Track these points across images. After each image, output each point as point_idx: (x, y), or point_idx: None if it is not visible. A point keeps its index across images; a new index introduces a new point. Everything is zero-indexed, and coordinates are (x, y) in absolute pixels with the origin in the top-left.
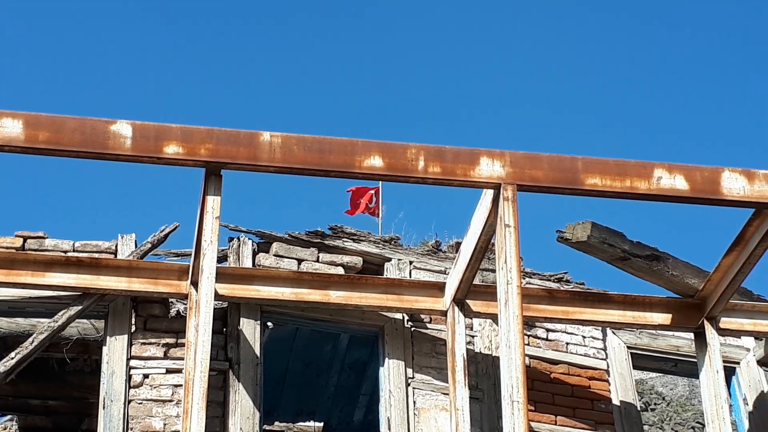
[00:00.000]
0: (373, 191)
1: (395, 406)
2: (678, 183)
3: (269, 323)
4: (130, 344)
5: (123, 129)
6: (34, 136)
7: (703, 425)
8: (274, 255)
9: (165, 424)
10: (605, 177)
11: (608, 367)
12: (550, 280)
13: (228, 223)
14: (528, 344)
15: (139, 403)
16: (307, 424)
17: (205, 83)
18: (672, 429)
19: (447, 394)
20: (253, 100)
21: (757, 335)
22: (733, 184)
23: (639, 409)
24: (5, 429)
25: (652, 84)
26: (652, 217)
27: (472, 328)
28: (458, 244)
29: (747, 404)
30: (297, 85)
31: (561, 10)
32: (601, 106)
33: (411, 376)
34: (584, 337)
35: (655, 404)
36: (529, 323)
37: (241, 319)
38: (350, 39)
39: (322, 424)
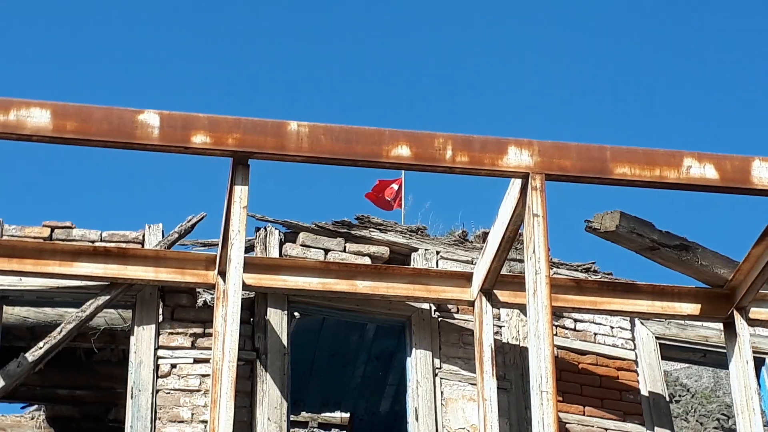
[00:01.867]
0: (396, 185)
1: (422, 397)
2: (708, 172)
3: (296, 313)
4: (157, 334)
5: (150, 119)
6: (62, 126)
7: (728, 417)
8: (301, 245)
9: (193, 414)
10: (634, 166)
11: (636, 357)
12: (577, 270)
13: (255, 213)
14: (556, 335)
15: (167, 393)
16: (333, 414)
17: (231, 73)
18: (696, 421)
19: (474, 384)
20: (279, 91)
21: None
22: (764, 173)
23: (667, 400)
24: (33, 419)
25: (680, 71)
26: (682, 206)
27: (499, 319)
28: (485, 234)
29: None
30: (321, 74)
31: None
32: (629, 94)
33: (438, 366)
34: (612, 327)
35: (680, 396)
36: (557, 313)
37: (268, 309)
38: (372, 28)
39: (348, 414)
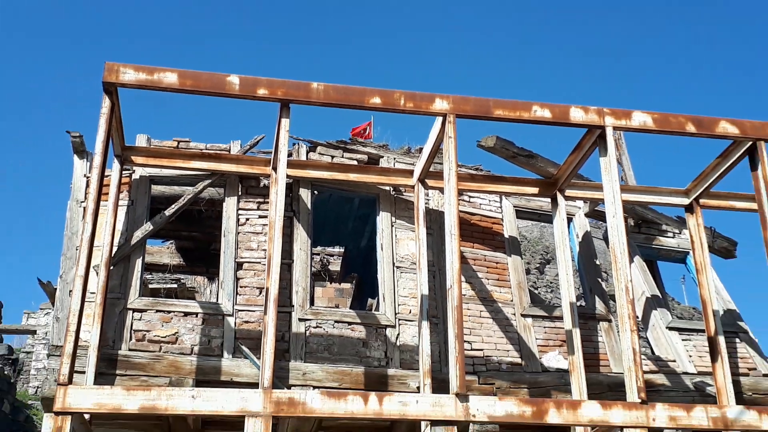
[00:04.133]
0: (367, 125)
1: (385, 238)
2: (546, 113)
3: (315, 191)
4: (238, 201)
5: (234, 80)
6: (183, 83)
7: (547, 253)
8: (318, 153)
9: (258, 245)
10: (506, 110)
11: (502, 217)
12: (471, 169)
13: (293, 135)
14: (461, 204)
15: (243, 234)
16: (333, 249)
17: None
18: (531, 255)
19: (413, 230)
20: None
21: (585, 199)
22: (577, 114)
23: (519, 240)
24: (168, 248)
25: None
26: (534, 133)
27: (428, 195)
28: (421, 149)
29: (578, 238)
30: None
31: None
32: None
33: (394, 221)
34: (490, 200)
35: (519, 241)
36: (460, 192)
37: (300, 188)
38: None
39: (343, 248)
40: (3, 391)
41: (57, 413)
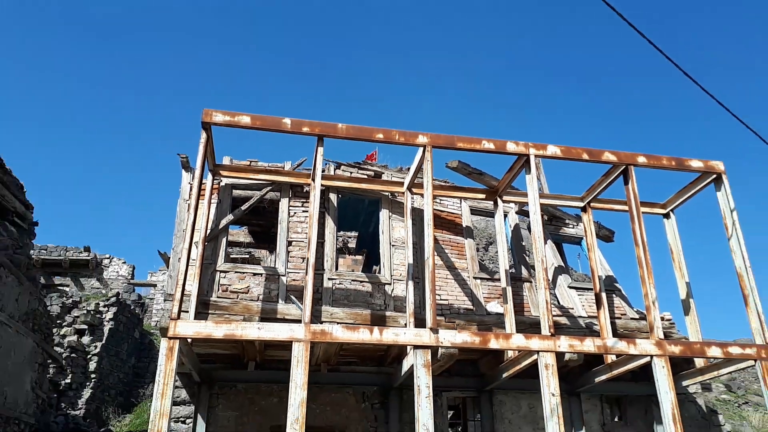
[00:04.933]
0: (374, 152)
1: (385, 226)
2: (491, 146)
3: (339, 195)
4: (289, 201)
5: (287, 121)
6: (254, 123)
7: (491, 241)
8: (342, 170)
9: (301, 230)
10: (465, 143)
11: (461, 213)
12: (441, 181)
13: (326, 158)
14: (434, 204)
15: (292, 223)
16: (350, 233)
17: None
18: (479, 239)
19: (403, 221)
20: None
21: (515, 202)
22: (511, 146)
23: (472, 228)
24: (243, 232)
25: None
26: (483, 158)
27: (413, 199)
28: (409, 168)
29: (511, 228)
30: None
31: None
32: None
33: (391, 215)
34: (453, 202)
35: (472, 229)
36: (435, 197)
37: (330, 193)
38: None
39: (357, 233)
40: (135, 323)
41: (170, 338)
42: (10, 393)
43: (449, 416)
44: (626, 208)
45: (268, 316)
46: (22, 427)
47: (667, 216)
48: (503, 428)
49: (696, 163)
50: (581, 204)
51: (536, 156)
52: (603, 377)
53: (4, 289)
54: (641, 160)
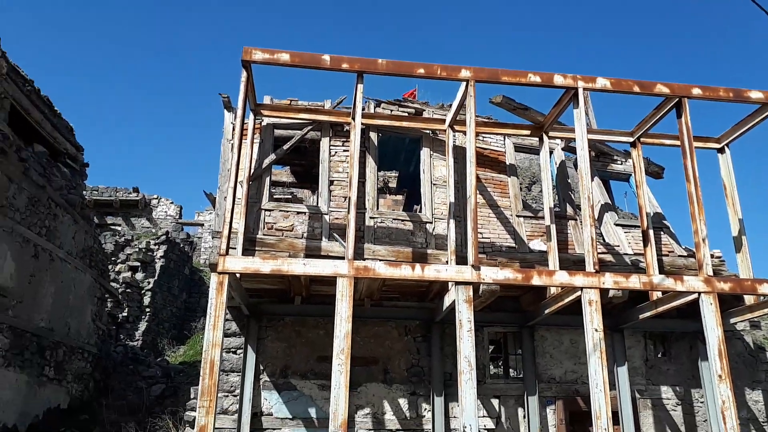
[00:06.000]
0: (414, 91)
1: (426, 165)
2: (537, 79)
3: (380, 133)
4: (329, 140)
5: (326, 57)
6: (294, 60)
7: (534, 180)
8: (382, 108)
9: (343, 169)
10: (509, 76)
11: (505, 150)
12: (484, 118)
13: (365, 95)
14: (477, 142)
15: (333, 162)
16: (391, 173)
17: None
18: (522, 178)
19: (444, 159)
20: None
21: (562, 138)
22: (559, 79)
23: (516, 167)
24: (285, 172)
25: None
26: (528, 92)
27: (455, 136)
28: (451, 104)
29: (556, 164)
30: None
31: None
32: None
33: (432, 154)
34: (497, 139)
35: (516, 167)
36: (476, 133)
37: (370, 132)
38: None
39: (398, 172)
40: (184, 261)
41: (219, 273)
42: (73, 325)
43: (490, 350)
44: (678, 142)
45: (312, 253)
46: (86, 355)
47: (721, 151)
48: (544, 362)
49: (755, 94)
50: (631, 139)
51: (585, 89)
52: (647, 314)
53: (61, 227)
54: (696, 91)
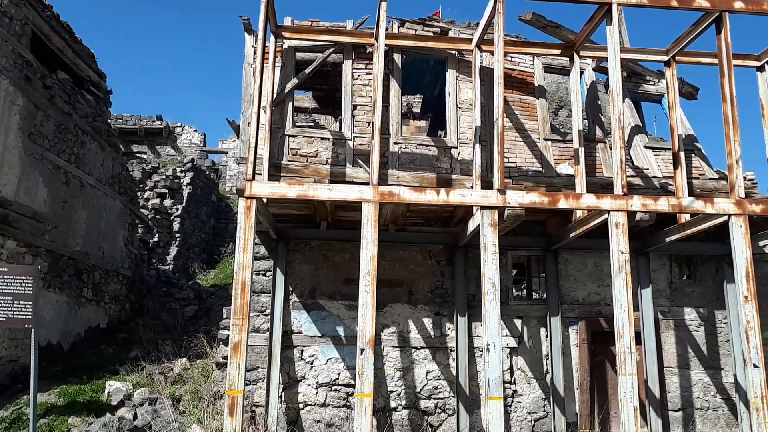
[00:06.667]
0: (438, 12)
1: (451, 87)
2: None
3: (404, 55)
4: (352, 63)
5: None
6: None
7: (562, 104)
8: (406, 27)
9: (366, 93)
10: None
11: (534, 71)
12: (513, 37)
13: (389, 15)
14: (505, 62)
15: (356, 86)
16: (415, 97)
17: None
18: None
19: (471, 82)
20: None
21: (593, 58)
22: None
23: (545, 90)
24: (308, 97)
25: None
26: (560, 9)
27: (482, 57)
28: (478, 23)
29: (587, 85)
30: None
31: None
32: None
33: (458, 76)
34: (526, 59)
35: (545, 89)
36: (505, 53)
37: (394, 53)
38: None
39: (422, 96)
40: (211, 188)
41: (246, 197)
42: (106, 249)
43: (514, 273)
44: (715, 60)
45: (337, 179)
46: (121, 278)
47: (761, 69)
48: (567, 285)
49: None
50: (665, 58)
51: (619, 4)
52: (674, 237)
53: (89, 154)
54: (738, 5)
